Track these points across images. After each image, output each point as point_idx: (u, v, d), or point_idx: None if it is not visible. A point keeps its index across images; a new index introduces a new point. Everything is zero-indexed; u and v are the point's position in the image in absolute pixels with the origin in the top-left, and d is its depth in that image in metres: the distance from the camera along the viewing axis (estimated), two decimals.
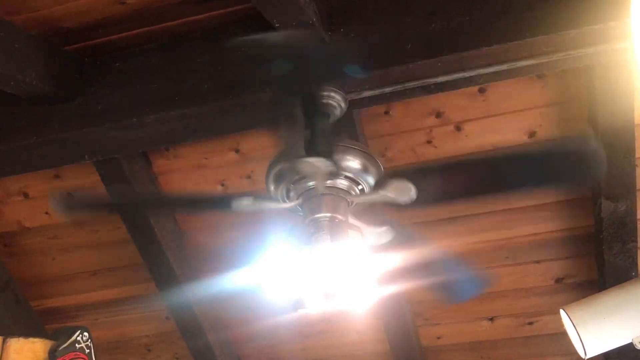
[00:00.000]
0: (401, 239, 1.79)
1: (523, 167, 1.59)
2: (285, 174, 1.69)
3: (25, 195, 2.87)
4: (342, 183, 1.69)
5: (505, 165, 1.59)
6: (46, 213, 2.92)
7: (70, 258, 3.06)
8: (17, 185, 2.85)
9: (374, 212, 1.86)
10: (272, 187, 1.76)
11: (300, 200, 1.70)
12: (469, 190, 1.67)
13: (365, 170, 1.69)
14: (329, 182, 1.67)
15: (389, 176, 1.65)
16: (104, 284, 3.14)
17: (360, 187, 1.72)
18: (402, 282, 2.61)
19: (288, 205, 1.73)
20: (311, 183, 1.67)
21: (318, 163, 1.57)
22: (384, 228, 1.74)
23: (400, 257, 1.81)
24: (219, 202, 1.74)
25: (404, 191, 1.61)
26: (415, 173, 1.65)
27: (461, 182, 1.65)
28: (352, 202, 1.73)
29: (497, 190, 1.73)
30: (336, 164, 1.61)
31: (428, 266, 1.88)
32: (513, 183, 1.65)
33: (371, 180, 1.71)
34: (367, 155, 1.71)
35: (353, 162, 1.68)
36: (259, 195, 1.74)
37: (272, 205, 1.74)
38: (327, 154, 1.58)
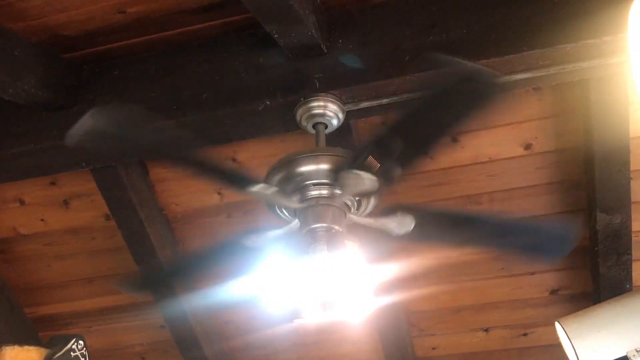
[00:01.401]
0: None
1: (508, 232, 1.75)
2: (293, 179, 1.70)
3: (21, 201, 2.86)
4: (348, 198, 1.70)
5: (500, 227, 1.75)
6: (42, 220, 2.91)
7: (65, 265, 3.05)
8: (13, 191, 2.84)
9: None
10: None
11: (304, 205, 1.70)
12: (458, 239, 1.76)
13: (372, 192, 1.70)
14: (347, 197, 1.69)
15: (395, 207, 1.68)
16: (99, 291, 3.12)
17: (358, 202, 1.74)
18: (398, 292, 2.63)
19: (296, 205, 1.73)
20: (324, 193, 1.69)
21: (368, 181, 1.57)
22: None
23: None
24: (238, 179, 1.72)
25: (403, 225, 1.65)
26: (418, 212, 1.69)
27: (454, 232, 1.75)
28: (348, 218, 1.74)
29: (483, 245, 1.86)
30: (380, 188, 1.62)
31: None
32: (497, 243, 1.83)
33: (373, 201, 1.73)
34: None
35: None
36: (276, 188, 1.73)
37: (282, 201, 1.73)
38: (388, 178, 1.58)
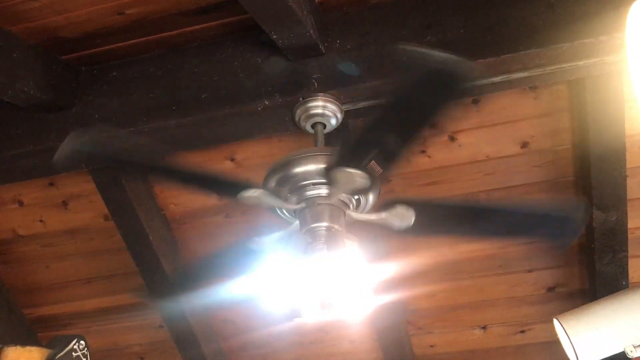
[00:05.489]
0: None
1: (514, 218, 1.72)
2: (290, 179, 1.70)
3: (20, 203, 2.86)
4: (345, 196, 1.71)
5: (498, 214, 1.72)
6: (40, 221, 2.92)
7: (64, 266, 3.06)
8: (12, 192, 2.84)
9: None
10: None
11: (302, 205, 1.71)
12: (459, 229, 1.75)
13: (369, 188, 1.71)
14: (344, 195, 1.69)
15: (394, 201, 1.68)
16: (98, 292, 3.13)
17: (357, 200, 1.74)
18: (397, 290, 2.64)
19: (292, 206, 1.73)
20: (322, 192, 1.69)
21: (358, 177, 1.58)
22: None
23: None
24: (227, 186, 1.73)
25: (404, 219, 1.66)
26: (418, 205, 1.69)
27: (455, 221, 1.74)
28: (348, 216, 1.75)
29: (485, 234, 1.89)
30: (370, 183, 1.61)
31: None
32: (501, 231, 1.81)
33: (371, 198, 1.74)
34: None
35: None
36: (267, 190, 1.73)
37: (277, 203, 1.74)
38: (373, 172, 1.58)
